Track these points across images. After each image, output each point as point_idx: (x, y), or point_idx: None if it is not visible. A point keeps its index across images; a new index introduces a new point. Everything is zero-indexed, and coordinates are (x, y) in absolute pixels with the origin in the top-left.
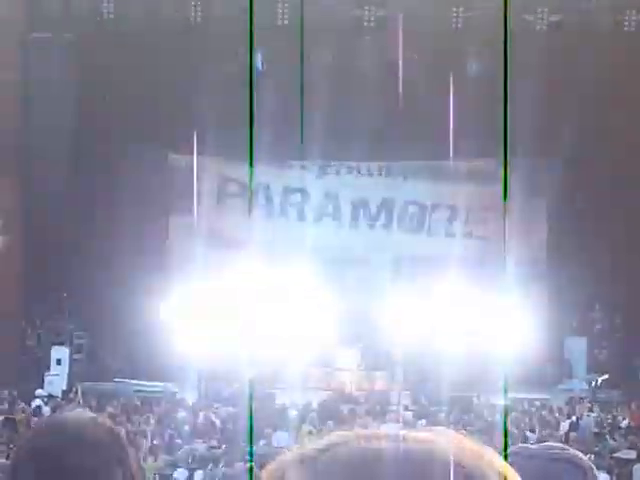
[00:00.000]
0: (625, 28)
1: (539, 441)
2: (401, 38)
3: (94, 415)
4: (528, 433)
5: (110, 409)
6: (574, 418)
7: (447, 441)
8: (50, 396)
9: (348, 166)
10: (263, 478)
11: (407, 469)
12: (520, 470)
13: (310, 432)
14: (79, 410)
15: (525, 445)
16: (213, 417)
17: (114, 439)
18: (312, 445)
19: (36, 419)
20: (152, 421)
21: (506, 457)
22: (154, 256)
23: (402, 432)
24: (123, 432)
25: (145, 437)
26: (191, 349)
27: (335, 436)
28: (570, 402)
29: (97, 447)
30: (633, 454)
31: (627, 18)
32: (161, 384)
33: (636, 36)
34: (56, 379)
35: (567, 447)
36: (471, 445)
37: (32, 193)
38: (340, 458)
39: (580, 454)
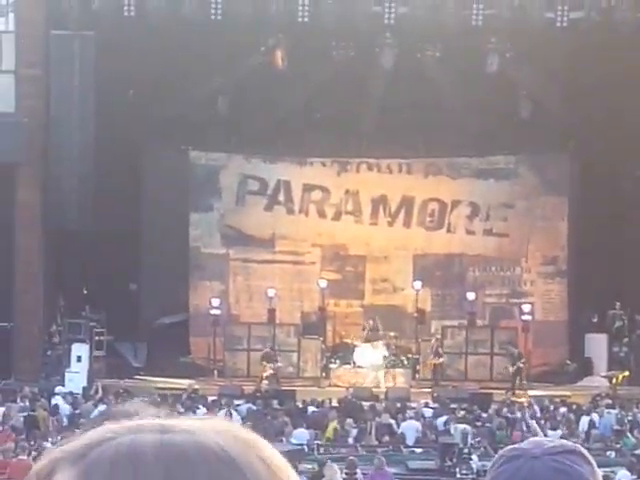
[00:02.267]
0: None
1: (561, 437)
2: (422, 35)
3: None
4: (549, 431)
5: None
6: (595, 415)
7: (214, 430)
8: (70, 393)
9: (368, 163)
10: (32, 477)
11: (170, 462)
12: (533, 472)
13: (335, 429)
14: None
15: (516, 446)
16: (234, 414)
17: None
18: (80, 440)
19: (55, 417)
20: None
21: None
22: (175, 253)
23: (168, 422)
24: None
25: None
26: (211, 346)
27: (103, 430)
28: (592, 399)
29: None
30: None
31: None
32: (182, 381)
33: None
34: (76, 376)
35: (552, 439)
36: (240, 434)
37: (52, 189)
38: (107, 454)
39: (570, 442)
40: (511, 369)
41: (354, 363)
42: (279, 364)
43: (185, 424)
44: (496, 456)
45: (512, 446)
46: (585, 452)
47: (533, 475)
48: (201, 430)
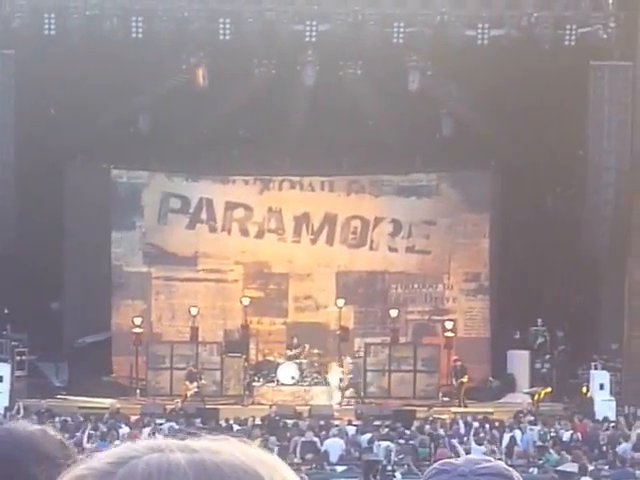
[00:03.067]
0: (565, 43)
1: (485, 454)
2: (343, 52)
3: (42, 427)
4: (474, 446)
5: (51, 426)
6: (517, 432)
7: (238, 451)
8: None
9: (291, 181)
10: None
11: (206, 478)
12: None
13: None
14: (26, 422)
15: (449, 461)
16: (157, 434)
17: (65, 452)
18: (103, 459)
19: None
20: (94, 438)
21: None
22: (97, 271)
23: (189, 443)
24: (72, 446)
25: (87, 454)
26: (134, 365)
27: (125, 449)
28: (514, 416)
29: (49, 457)
30: (575, 467)
31: (568, 32)
32: (104, 400)
33: (575, 50)
34: None
35: (490, 458)
36: (262, 455)
37: None
38: (138, 471)
39: (505, 465)
40: (455, 383)
41: (277, 381)
42: (203, 382)
43: (205, 445)
44: (429, 468)
45: (446, 460)
46: (515, 477)
47: None
48: (225, 450)
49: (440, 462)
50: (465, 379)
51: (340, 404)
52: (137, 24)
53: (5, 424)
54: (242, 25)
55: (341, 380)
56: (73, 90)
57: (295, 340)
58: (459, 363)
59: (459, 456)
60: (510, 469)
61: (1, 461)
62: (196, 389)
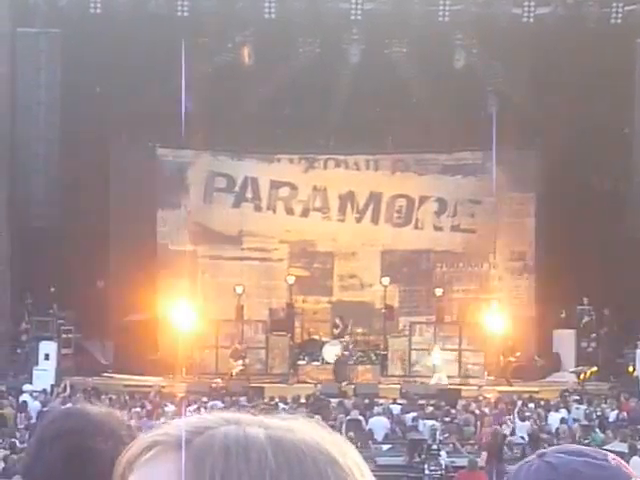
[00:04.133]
0: (612, 21)
1: (530, 432)
2: (388, 31)
3: (110, 409)
4: (518, 422)
5: (98, 403)
6: (563, 411)
7: (307, 429)
8: (38, 391)
9: (336, 160)
10: (123, 459)
11: (282, 456)
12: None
13: None
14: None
15: (567, 446)
16: (202, 411)
17: (129, 431)
18: (177, 427)
19: (23, 414)
20: (142, 416)
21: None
22: (143, 250)
23: (264, 419)
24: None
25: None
26: (179, 343)
27: (200, 419)
28: (561, 395)
29: (116, 435)
30: (625, 447)
31: (615, 10)
32: (150, 379)
33: (622, 28)
34: (44, 374)
35: (607, 453)
36: (327, 433)
37: (20, 185)
38: (216, 441)
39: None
40: (503, 361)
41: (322, 359)
42: (247, 360)
43: (278, 422)
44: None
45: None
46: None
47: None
48: (300, 429)
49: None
50: (513, 358)
51: (385, 382)
52: (183, 2)
53: (77, 404)
54: (287, 3)
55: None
56: (118, 69)
57: (340, 319)
58: (509, 342)
59: (502, 436)
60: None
61: (75, 434)
62: (241, 367)
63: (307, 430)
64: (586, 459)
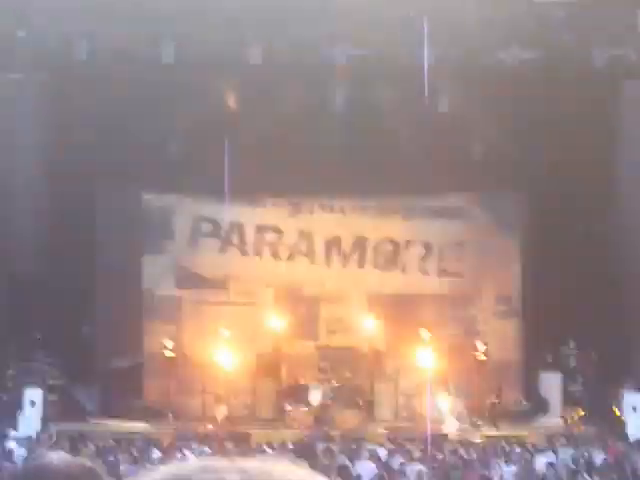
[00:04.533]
0: (596, 64)
1: (516, 476)
2: (372, 75)
3: (76, 457)
4: (504, 467)
5: (84, 449)
6: (551, 454)
7: (285, 470)
8: (24, 438)
9: (322, 204)
10: None
11: None
12: None
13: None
14: (62, 453)
15: None
16: (190, 457)
17: (94, 477)
18: (154, 477)
19: (9, 463)
20: (128, 462)
21: None
22: (129, 295)
23: (241, 463)
24: (103, 472)
25: (120, 478)
26: (166, 389)
27: (177, 468)
28: (548, 439)
29: None
30: None
31: (599, 54)
32: (136, 424)
33: (605, 71)
34: (30, 420)
35: None
36: (304, 473)
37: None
38: None
39: None
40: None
41: (309, 404)
42: (230, 405)
43: (256, 465)
44: None
45: None
46: None
47: None
48: (276, 471)
49: None
50: (497, 400)
51: (371, 427)
52: (168, 49)
53: (43, 456)
54: (272, 49)
55: (453, 406)
56: (103, 115)
57: (326, 363)
58: (495, 386)
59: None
60: None
61: None
62: (225, 413)
63: (285, 472)
64: None
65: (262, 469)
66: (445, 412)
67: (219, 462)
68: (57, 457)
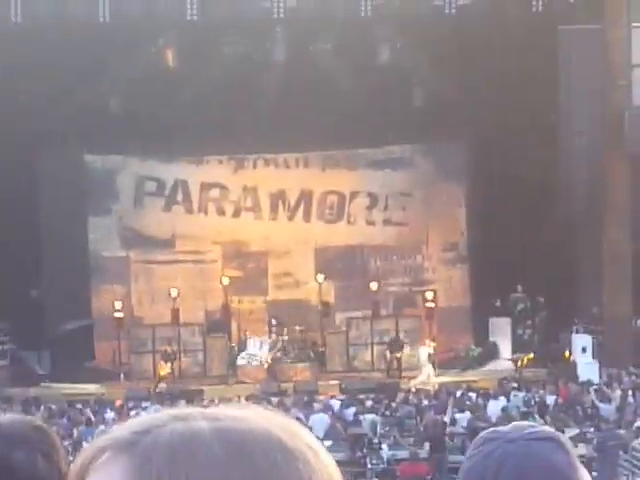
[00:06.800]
0: (533, 9)
1: (469, 422)
2: (312, 27)
3: (24, 416)
4: (457, 415)
5: (36, 413)
6: (502, 399)
7: (262, 418)
8: None
9: (265, 159)
10: (77, 465)
11: (229, 448)
12: (505, 455)
13: None
14: (9, 414)
15: (496, 429)
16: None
17: (42, 435)
18: (125, 429)
19: None
20: (82, 423)
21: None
22: (76, 257)
23: (215, 410)
24: (53, 430)
25: (73, 439)
26: (116, 349)
27: (148, 418)
28: (499, 383)
29: (23, 441)
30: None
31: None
32: (88, 386)
33: (543, 16)
34: None
35: (537, 425)
36: (286, 423)
37: None
38: (161, 440)
39: (552, 429)
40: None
41: (260, 359)
42: (179, 363)
43: (229, 413)
44: (476, 437)
45: (493, 429)
46: (564, 441)
47: (505, 458)
48: (249, 418)
49: (487, 431)
50: (399, 354)
51: (324, 379)
52: (104, 7)
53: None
54: (209, 4)
55: (429, 355)
56: (42, 77)
57: (276, 318)
58: (395, 337)
59: (443, 426)
60: (558, 433)
61: None
62: (168, 370)
63: (257, 418)
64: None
65: (236, 416)
66: (422, 362)
67: (193, 410)
68: (2, 416)
